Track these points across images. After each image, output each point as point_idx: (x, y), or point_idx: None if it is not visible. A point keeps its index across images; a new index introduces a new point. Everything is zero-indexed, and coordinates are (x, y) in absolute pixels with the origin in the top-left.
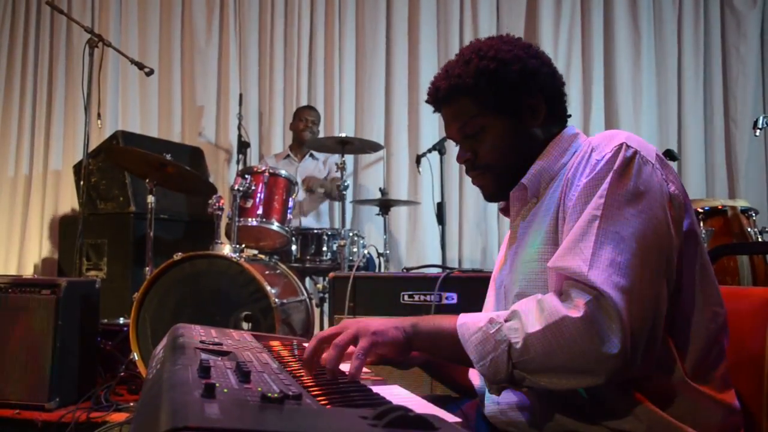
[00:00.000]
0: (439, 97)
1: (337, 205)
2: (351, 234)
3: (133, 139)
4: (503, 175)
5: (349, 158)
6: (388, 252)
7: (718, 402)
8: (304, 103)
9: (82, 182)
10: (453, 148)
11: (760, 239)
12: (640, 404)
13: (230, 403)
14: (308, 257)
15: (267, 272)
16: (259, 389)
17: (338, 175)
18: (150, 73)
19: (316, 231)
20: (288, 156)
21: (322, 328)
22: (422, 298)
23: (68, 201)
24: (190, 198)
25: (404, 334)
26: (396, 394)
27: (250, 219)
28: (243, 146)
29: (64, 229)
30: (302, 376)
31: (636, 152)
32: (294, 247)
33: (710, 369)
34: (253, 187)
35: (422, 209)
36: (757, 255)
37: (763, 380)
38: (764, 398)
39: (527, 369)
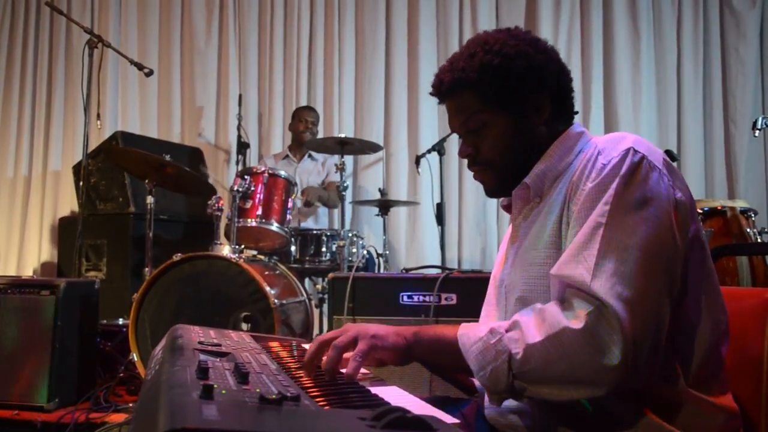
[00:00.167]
0: (442, 90)
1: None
2: (350, 234)
3: (133, 140)
4: (504, 173)
5: (348, 159)
6: (387, 252)
7: (718, 407)
8: (303, 103)
9: (81, 183)
10: (452, 149)
11: (759, 240)
12: (643, 415)
13: (228, 404)
14: (307, 258)
15: (266, 273)
16: (258, 390)
17: (337, 176)
18: (149, 73)
19: (315, 232)
20: (287, 157)
21: (321, 328)
22: (421, 298)
23: (67, 202)
24: (190, 199)
25: (405, 341)
26: (394, 395)
27: (249, 220)
28: (242, 147)
29: (63, 229)
30: (301, 377)
31: (643, 158)
32: (293, 248)
33: (711, 375)
34: (252, 188)
35: (421, 210)
36: (756, 256)
37: (762, 381)
38: (763, 399)
39: (528, 379)
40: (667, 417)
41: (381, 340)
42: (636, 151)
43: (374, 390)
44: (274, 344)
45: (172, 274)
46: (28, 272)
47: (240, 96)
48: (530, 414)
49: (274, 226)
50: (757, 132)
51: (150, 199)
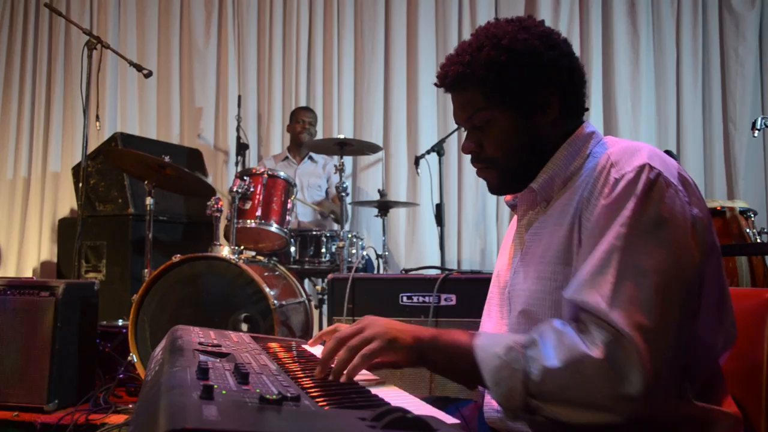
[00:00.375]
0: (447, 83)
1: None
2: (350, 235)
3: (132, 141)
4: (507, 172)
5: (347, 160)
6: (386, 253)
7: (724, 414)
8: (303, 104)
9: (80, 184)
10: (452, 150)
11: (758, 240)
12: None
13: (228, 404)
14: (307, 259)
15: (266, 274)
16: (258, 391)
17: (337, 177)
18: (149, 75)
19: (314, 232)
20: (287, 158)
21: (321, 329)
22: (421, 299)
23: (67, 203)
24: (189, 200)
25: (420, 345)
26: (394, 395)
27: (248, 221)
28: (242, 148)
29: (63, 231)
30: (301, 377)
31: (659, 175)
32: (293, 249)
33: (716, 383)
34: (251, 189)
35: (421, 211)
36: (755, 256)
37: (762, 383)
38: (763, 401)
39: (543, 400)
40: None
41: (394, 343)
42: (652, 168)
43: (374, 391)
44: (273, 345)
45: (172, 275)
46: (27, 273)
47: (239, 97)
48: (535, 421)
49: (274, 227)
50: (756, 132)
51: (149, 201)
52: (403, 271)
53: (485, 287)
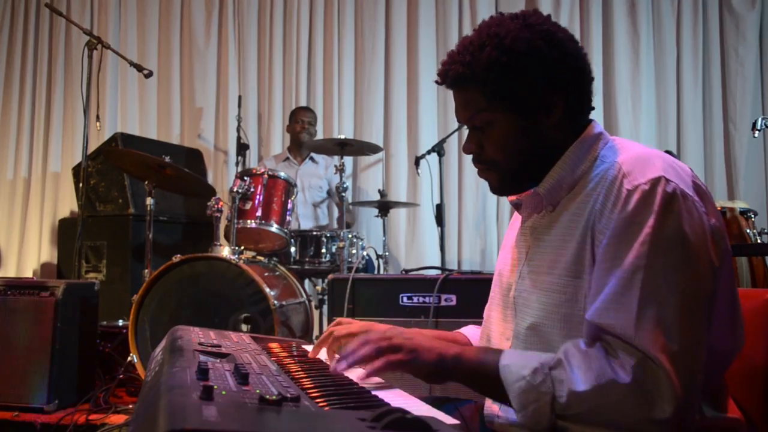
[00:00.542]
0: (448, 82)
1: (335, 208)
2: (350, 236)
3: (132, 141)
4: (509, 174)
5: (348, 160)
6: (387, 254)
7: (728, 420)
8: (303, 104)
9: (81, 184)
10: (452, 150)
11: (759, 241)
12: None
13: (228, 405)
14: (307, 259)
15: (266, 274)
16: (258, 391)
17: (337, 177)
18: (149, 75)
19: (315, 233)
20: (287, 158)
21: (321, 330)
22: (421, 299)
23: (67, 203)
24: (189, 200)
25: (445, 362)
26: (394, 396)
27: (249, 221)
28: (242, 148)
29: (63, 231)
30: (301, 378)
31: (675, 188)
32: (293, 249)
33: (722, 392)
34: (252, 189)
35: (421, 211)
36: (756, 256)
37: (763, 384)
38: (764, 403)
39: (571, 422)
40: None
41: (419, 355)
42: (668, 180)
43: (374, 391)
44: (273, 345)
45: (172, 275)
46: (27, 274)
47: (239, 97)
48: None
49: (274, 228)
50: (756, 133)
51: (149, 201)
52: (404, 272)
53: (485, 288)
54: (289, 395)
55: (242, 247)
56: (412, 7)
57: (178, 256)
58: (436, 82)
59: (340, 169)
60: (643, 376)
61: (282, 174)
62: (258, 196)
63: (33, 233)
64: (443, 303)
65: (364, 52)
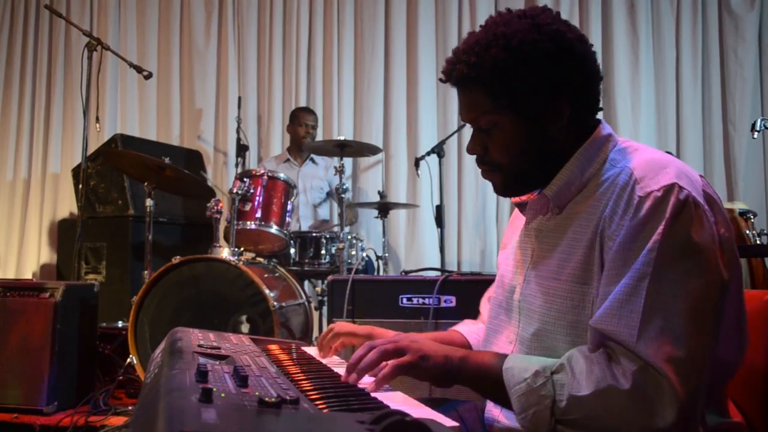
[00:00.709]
0: (452, 81)
1: (335, 207)
2: (349, 237)
3: (132, 143)
4: (513, 176)
5: (347, 161)
6: (386, 255)
7: (730, 425)
8: (302, 105)
9: (80, 186)
10: (452, 151)
11: (758, 242)
12: None
13: (227, 407)
14: (307, 260)
15: (266, 275)
16: (257, 394)
17: (337, 178)
18: (149, 76)
19: (314, 234)
20: (288, 160)
21: (321, 331)
22: (421, 301)
23: (67, 204)
24: (189, 201)
25: (451, 365)
26: (394, 398)
27: (248, 222)
28: (242, 149)
29: (62, 232)
30: (300, 380)
31: (688, 196)
32: (292, 250)
33: (723, 398)
34: (251, 191)
35: (421, 212)
36: (755, 258)
37: (762, 385)
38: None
39: (571, 427)
40: None
41: (425, 360)
42: (681, 188)
43: (374, 394)
44: (273, 347)
45: (172, 276)
46: (27, 275)
47: (239, 98)
48: None
49: (274, 229)
50: (755, 134)
51: (149, 202)
52: (403, 273)
53: (485, 289)
54: (288, 397)
55: (242, 249)
56: (411, 8)
57: (178, 257)
58: (441, 80)
59: (340, 171)
60: (644, 383)
61: (281, 175)
62: (257, 198)
63: (32, 234)
64: (443, 304)
65: (363, 53)
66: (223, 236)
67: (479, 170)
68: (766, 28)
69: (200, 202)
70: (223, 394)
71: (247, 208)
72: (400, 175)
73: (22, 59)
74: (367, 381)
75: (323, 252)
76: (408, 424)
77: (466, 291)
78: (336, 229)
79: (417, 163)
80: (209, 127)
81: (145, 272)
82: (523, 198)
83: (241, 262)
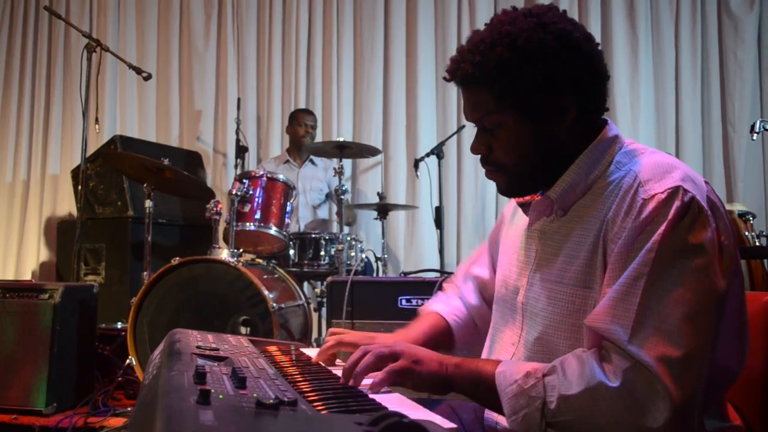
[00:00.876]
0: (457, 80)
1: (334, 209)
2: (349, 238)
3: (131, 144)
4: (516, 177)
5: (347, 162)
6: (386, 256)
7: (729, 429)
8: (302, 107)
9: (80, 187)
10: (451, 153)
11: (757, 243)
12: None
13: (225, 409)
14: (306, 261)
15: (265, 277)
16: (255, 395)
17: (336, 180)
18: (148, 77)
19: (313, 235)
20: (288, 161)
21: (320, 332)
22: (420, 302)
23: (66, 206)
24: (188, 202)
25: (446, 371)
26: (392, 400)
27: (248, 223)
28: (241, 150)
29: (62, 233)
30: (299, 381)
31: (692, 199)
32: (292, 252)
33: (723, 402)
34: (251, 192)
35: (420, 213)
36: (754, 259)
37: (761, 387)
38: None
39: (562, 429)
40: None
41: (420, 365)
42: (686, 191)
43: (373, 395)
44: (272, 348)
45: (171, 278)
46: (26, 276)
47: (238, 99)
48: None
49: (273, 230)
50: (755, 135)
51: (148, 203)
52: (402, 274)
53: None
54: (286, 399)
55: (241, 250)
56: (411, 9)
57: (177, 258)
58: (445, 78)
59: (339, 172)
60: (634, 381)
61: (281, 176)
62: (257, 199)
63: (32, 236)
64: None
65: (363, 54)
66: (222, 237)
67: (479, 172)
68: (765, 29)
69: (199, 204)
70: (221, 396)
71: (247, 209)
72: (400, 176)
73: (22, 60)
74: (364, 383)
75: (322, 253)
76: (406, 426)
77: None
78: (335, 229)
79: (416, 164)
80: (208, 129)
81: (145, 273)
82: (527, 198)
83: (240, 264)
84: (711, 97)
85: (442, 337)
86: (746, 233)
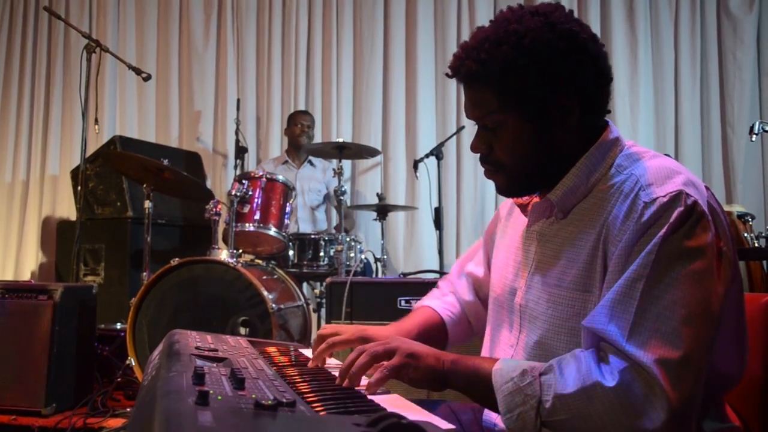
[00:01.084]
0: (460, 78)
1: (333, 209)
2: (348, 239)
3: (131, 144)
4: (516, 177)
5: (346, 163)
6: (385, 257)
7: (728, 429)
8: (302, 107)
9: (79, 187)
10: (451, 153)
11: (756, 244)
12: None
13: (224, 410)
14: (305, 262)
15: (264, 277)
16: (254, 396)
17: (335, 181)
18: (147, 78)
19: (313, 236)
20: (286, 162)
21: None
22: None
23: (66, 206)
24: (188, 203)
25: (442, 367)
26: (392, 401)
27: (247, 224)
28: (240, 151)
29: (61, 234)
30: (297, 382)
31: (695, 204)
32: (291, 252)
33: (722, 403)
34: (250, 193)
35: (419, 214)
36: (753, 261)
37: (760, 389)
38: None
39: (557, 429)
40: None
41: (416, 360)
42: (688, 195)
43: (372, 396)
44: (271, 349)
45: (170, 278)
46: (25, 277)
47: (238, 100)
48: None
49: (272, 231)
50: (754, 136)
51: (148, 204)
52: (402, 275)
53: None
54: (285, 400)
55: (240, 251)
56: (410, 10)
57: (177, 259)
58: (447, 75)
59: (339, 173)
60: (631, 382)
61: (280, 177)
62: (256, 200)
63: (31, 236)
64: None
65: (362, 55)
66: (221, 238)
67: (478, 172)
68: (764, 30)
69: (199, 204)
70: (219, 397)
71: (246, 210)
72: (399, 177)
73: (21, 61)
74: (362, 383)
75: (322, 254)
76: (404, 427)
77: None
78: (334, 231)
79: (416, 165)
80: (208, 129)
81: (144, 274)
82: (525, 199)
83: (239, 264)
84: (710, 98)
85: (435, 332)
86: (745, 234)
